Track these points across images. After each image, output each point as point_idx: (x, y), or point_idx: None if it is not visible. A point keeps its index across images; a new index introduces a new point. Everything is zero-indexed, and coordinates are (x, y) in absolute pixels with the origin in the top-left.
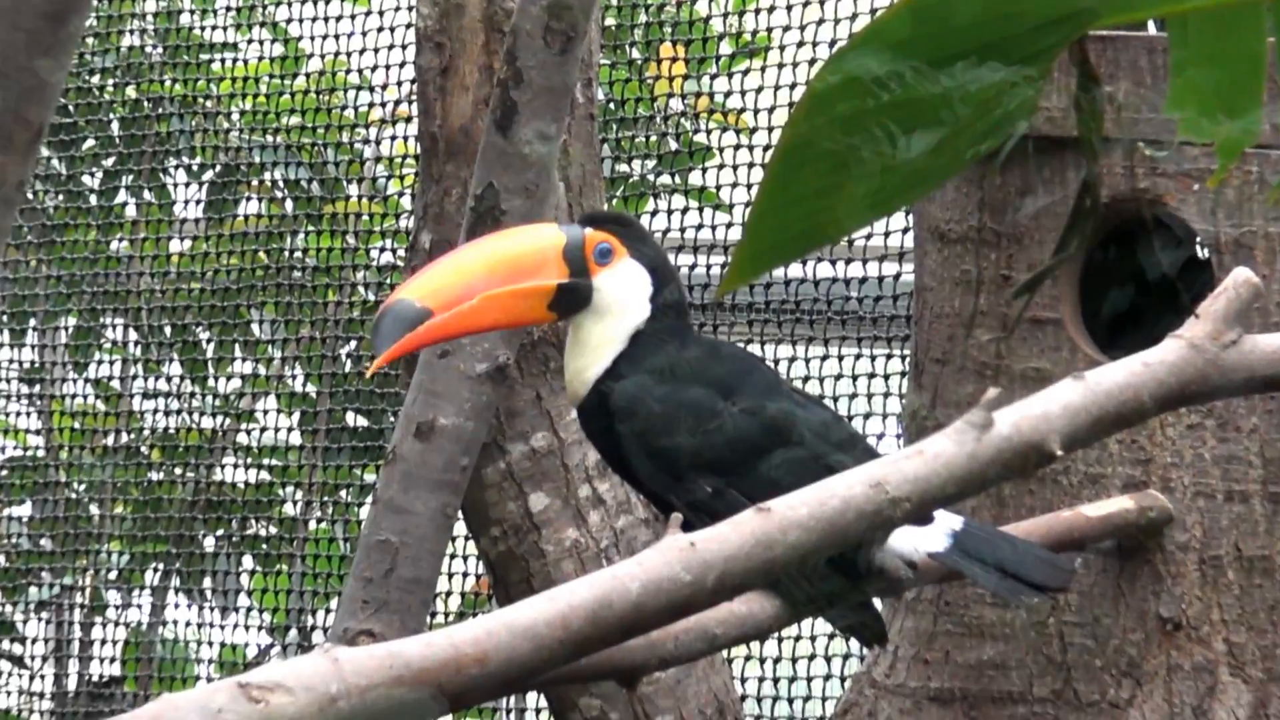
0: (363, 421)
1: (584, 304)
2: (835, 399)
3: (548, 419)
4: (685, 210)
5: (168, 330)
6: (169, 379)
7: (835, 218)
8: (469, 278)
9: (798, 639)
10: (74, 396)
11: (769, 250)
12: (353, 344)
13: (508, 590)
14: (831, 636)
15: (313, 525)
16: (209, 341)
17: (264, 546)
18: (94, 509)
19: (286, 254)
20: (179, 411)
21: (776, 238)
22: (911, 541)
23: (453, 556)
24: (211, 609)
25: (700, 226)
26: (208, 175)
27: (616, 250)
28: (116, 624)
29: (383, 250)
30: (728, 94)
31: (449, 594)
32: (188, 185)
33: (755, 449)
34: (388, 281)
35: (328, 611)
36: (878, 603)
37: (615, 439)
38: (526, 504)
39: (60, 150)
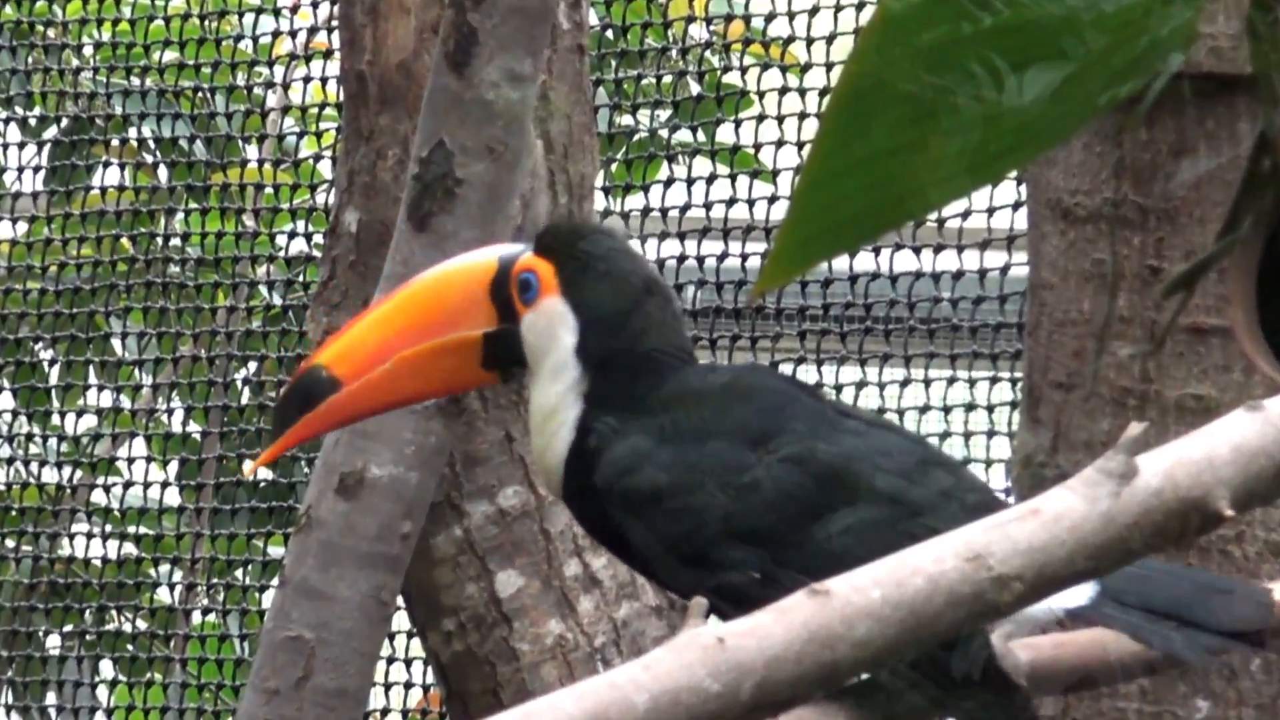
0: (266, 474)
1: (520, 359)
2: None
3: (521, 468)
4: (711, 179)
5: None
6: None
7: (916, 187)
8: (386, 333)
9: None
10: None
11: (824, 233)
12: (252, 365)
13: (465, 705)
14: None
15: (196, 618)
16: (52, 363)
17: (129, 647)
18: None
19: (160, 241)
20: (10, 461)
21: (834, 215)
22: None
23: (390, 660)
24: None
25: (732, 201)
26: (49, 132)
27: (544, 282)
28: None
29: (293, 235)
30: (769, 17)
31: (384, 712)
32: (22, 146)
33: (806, 510)
34: (299, 279)
35: None
36: None
37: (618, 529)
38: (492, 586)
39: None
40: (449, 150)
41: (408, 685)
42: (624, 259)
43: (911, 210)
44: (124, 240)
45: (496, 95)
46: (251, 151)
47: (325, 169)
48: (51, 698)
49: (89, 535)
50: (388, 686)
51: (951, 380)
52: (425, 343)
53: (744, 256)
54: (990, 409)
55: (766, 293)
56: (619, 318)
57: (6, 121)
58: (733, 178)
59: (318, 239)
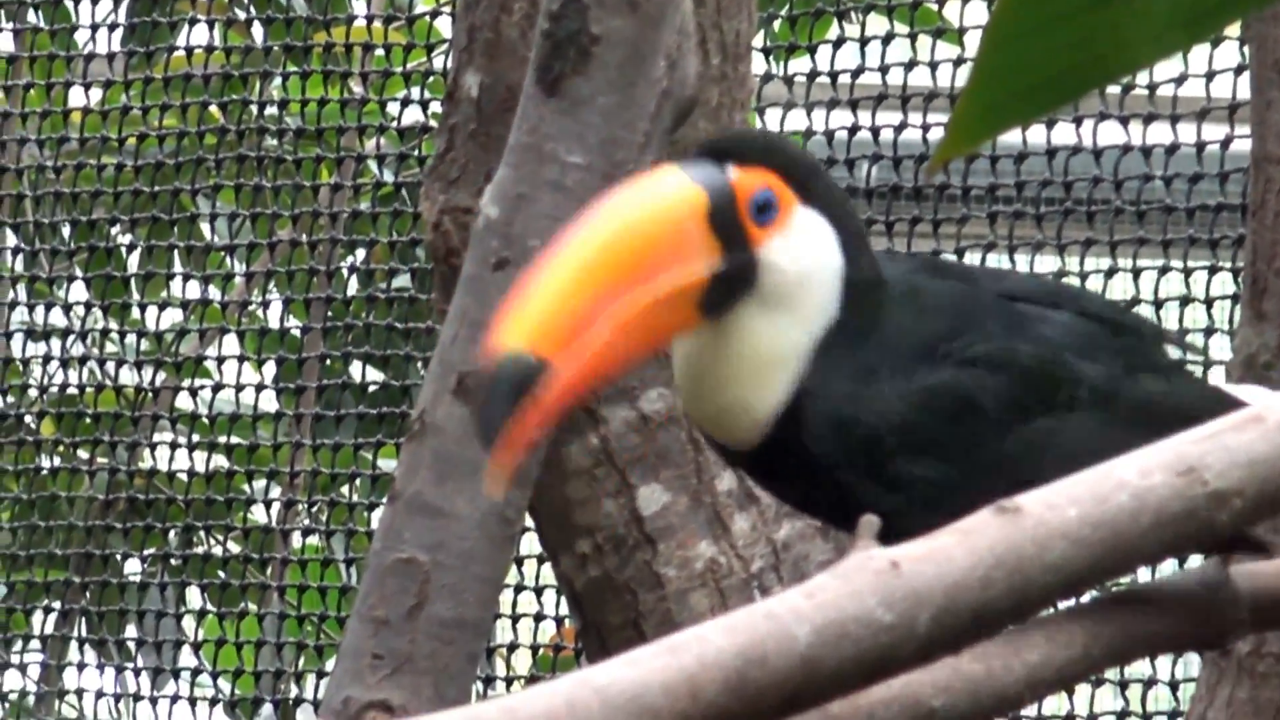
0: (376, 374)
1: (744, 293)
2: None
3: (666, 368)
4: (888, 38)
5: (65, 232)
6: (68, 309)
7: (1121, 43)
8: (585, 293)
9: (1067, 718)
10: None
11: (1013, 96)
12: (361, 252)
13: (603, 639)
14: (1120, 715)
15: (296, 539)
16: (131, 249)
17: (220, 573)
18: None
19: (254, 110)
20: (84, 361)
21: (1025, 76)
22: None
23: (518, 588)
24: (137, 672)
25: (912, 64)
26: None
27: (783, 198)
28: None
29: (407, 103)
30: None
31: (512, 647)
32: (96, 1)
33: (1011, 411)
34: (415, 152)
35: (319, 675)
36: (1193, 661)
37: (822, 487)
38: (634, 502)
39: None
40: (584, 3)
41: (538, 617)
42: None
43: (1114, 70)
44: (213, 108)
45: None
46: (359, 6)
47: (443, 26)
48: (131, 630)
49: (174, 445)
50: (515, 618)
51: (1164, 270)
52: (639, 296)
53: (925, 128)
54: (1208, 303)
55: (947, 166)
56: (862, 229)
57: None
58: (913, 37)
59: (434, 106)
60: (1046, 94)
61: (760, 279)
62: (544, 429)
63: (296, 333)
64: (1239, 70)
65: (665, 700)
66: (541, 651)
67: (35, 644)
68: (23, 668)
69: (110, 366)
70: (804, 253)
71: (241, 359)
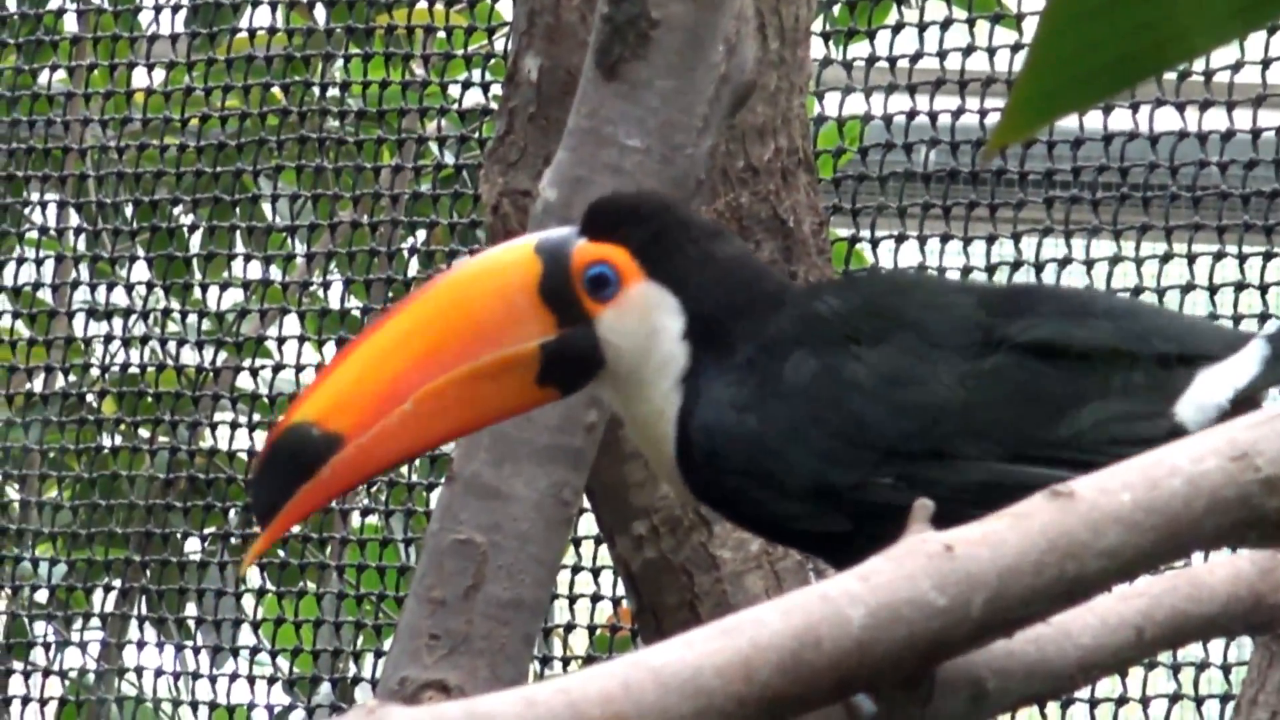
0: None
1: (595, 366)
2: None
3: None
4: (947, 24)
5: (128, 212)
6: (130, 288)
7: (1177, 30)
8: (394, 366)
9: (1120, 702)
10: None
11: (1069, 82)
12: (421, 233)
13: (658, 620)
14: (1173, 699)
15: (355, 519)
16: (193, 230)
17: (280, 553)
18: (11, 491)
19: (316, 91)
20: (146, 340)
21: (1081, 62)
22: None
23: (575, 569)
24: (197, 650)
25: (970, 50)
26: None
27: (625, 271)
28: (47, 673)
29: (467, 85)
30: None
31: (569, 628)
32: None
33: (1046, 404)
34: (475, 134)
35: (378, 654)
36: (1246, 644)
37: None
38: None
39: None
40: None
41: (594, 598)
42: (688, 213)
43: (1171, 57)
44: (275, 90)
45: None
46: None
47: (504, 10)
48: (191, 608)
49: (234, 425)
50: (572, 599)
51: (1219, 256)
52: (455, 370)
53: (983, 113)
54: (1263, 289)
55: (1004, 151)
56: (720, 278)
57: None
58: (971, 23)
59: (495, 89)
60: (1102, 80)
61: (602, 352)
62: (321, 501)
63: (357, 313)
64: None
65: (720, 682)
66: (599, 632)
67: (95, 622)
68: (83, 646)
69: (171, 346)
70: (635, 326)
71: (302, 339)
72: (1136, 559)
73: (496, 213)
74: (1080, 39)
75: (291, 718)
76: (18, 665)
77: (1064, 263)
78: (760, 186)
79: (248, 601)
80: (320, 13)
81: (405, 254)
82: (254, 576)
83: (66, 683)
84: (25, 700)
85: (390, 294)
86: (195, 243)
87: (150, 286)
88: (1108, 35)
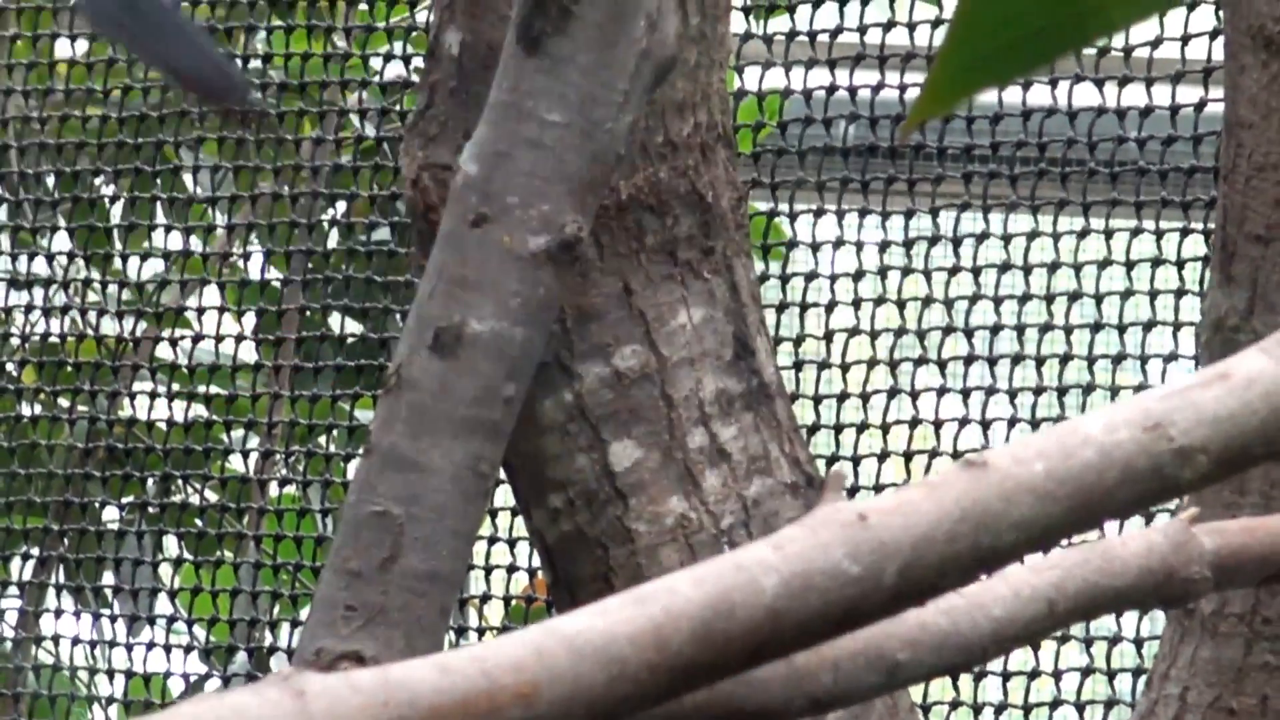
0: (355, 326)
1: None
2: (1099, 297)
3: (641, 325)
4: None
5: (50, 181)
6: (50, 257)
7: (1097, 4)
8: None
9: (1032, 675)
10: None
11: (988, 56)
12: (341, 205)
13: (573, 592)
14: (1085, 672)
15: (273, 489)
16: (114, 200)
17: (198, 522)
18: None
19: (238, 63)
20: (66, 310)
21: (1001, 36)
22: None
23: (491, 541)
24: (114, 619)
25: (890, 25)
26: None
27: None
28: None
29: (389, 58)
30: None
31: (484, 599)
32: None
33: None
34: (396, 108)
35: (294, 624)
36: (1159, 619)
37: None
38: (606, 458)
39: None
40: None
41: (510, 569)
42: None
43: (1091, 32)
44: None
45: None
46: None
47: None
48: (109, 577)
49: (153, 395)
50: (488, 570)
51: (1136, 231)
52: None
53: (903, 88)
54: (1180, 264)
55: (922, 126)
56: None
57: None
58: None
59: (416, 62)
60: (1022, 55)
61: None
62: None
63: (277, 284)
64: (1214, 34)
65: (632, 650)
66: (514, 603)
67: (13, 590)
68: (0, 614)
69: (92, 316)
70: None
71: (221, 310)
72: (1049, 529)
73: (416, 186)
74: (1001, 12)
75: (207, 686)
76: None
77: (981, 238)
78: (679, 161)
79: (165, 571)
80: None
81: (325, 226)
82: (171, 545)
83: None
84: None
85: (310, 265)
86: (116, 213)
87: (71, 256)
88: (1028, 9)
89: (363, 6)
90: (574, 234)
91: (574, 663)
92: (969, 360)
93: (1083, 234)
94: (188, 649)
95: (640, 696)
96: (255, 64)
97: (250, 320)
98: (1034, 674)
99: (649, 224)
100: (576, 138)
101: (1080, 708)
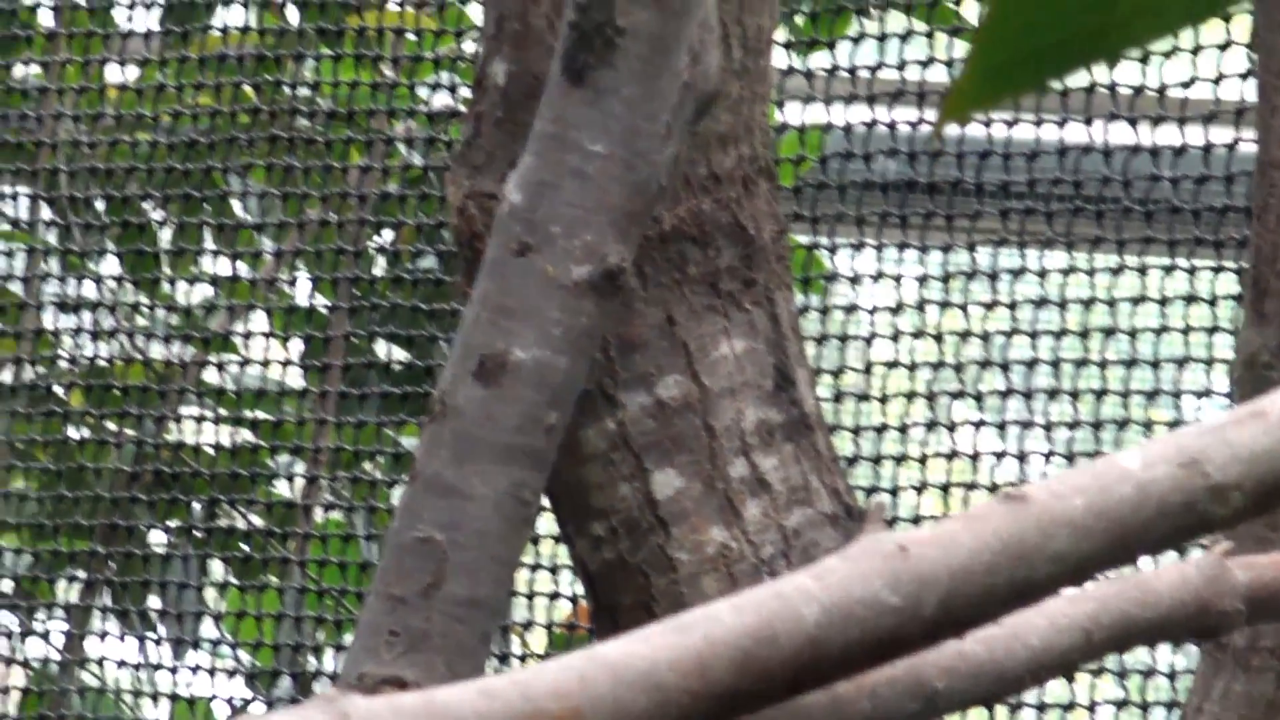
0: (400, 354)
1: None
2: (1134, 333)
3: (683, 355)
4: (907, 36)
5: (100, 205)
6: (99, 281)
7: (1119, 18)
8: None
9: (1068, 708)
10: None
11: (1012, 64)
12: (388, 233)
13: (616, 620)
14: (1120, 705)
15: (318, 515)
16: (163, 224)
17: (243, 547)
18: None
19: (287, 91)
20: (114, 334)
21: (1024, 45)
22: None
23: (534, 567)
24: (159, 642)
25: (929, 62)
26: None
27: None
28: (9, 662)
29: (436, 88)
30: None
31: (527, 625)
32: None
33: None
34: (442, 136)
35: (338, 649)
36: (1192, 653)
37: None
38: (648, 486)
39: None
40: None
41: (553, 596)
42: None
43: (1112, 45)
44: (247, 89)
45: None
46: None
47: (474, 14)
48: (154, 601)
49: (200, 419)
50: (530, 597)
51: (1170, 268)
52: None
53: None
54: (1212, 302)
55: (961, 162)
56: None
57: None
58: (930, 35)
59: (463, 91)
60: (1045, 65)
61: None
62: None
63: (323, 311)
64: (1246, 75)
65: (675, 677)
66: (556, 630)
67: (59, 613)
68: (46, 635)
69: (140, 340)
70: None
71: (269, 335)
72: (1086, 563)
73: (462, 215)
74: (1025, 20)
75: (251, 710)
76: None
77: (1018, 273)
78: (722, 194)
79: (210, 595)
80: (292, 14)
81: (372, 253)
82: (217, 569)
83: (30, 673)
84: None
85: (356, 292)
86: (165, 238)
87: (120, 280)
88: (1052, 18)
89: (411, 37)
90: (617, 264)
91: (616, 689)
92: (1006, 394)
93: (1118, 270)
94: (232, 673)
95: None
96: (304, 92)
97: (297, 346)
98: (1069, 706)
99: (692, 255)
100: (620, 169)
101: None
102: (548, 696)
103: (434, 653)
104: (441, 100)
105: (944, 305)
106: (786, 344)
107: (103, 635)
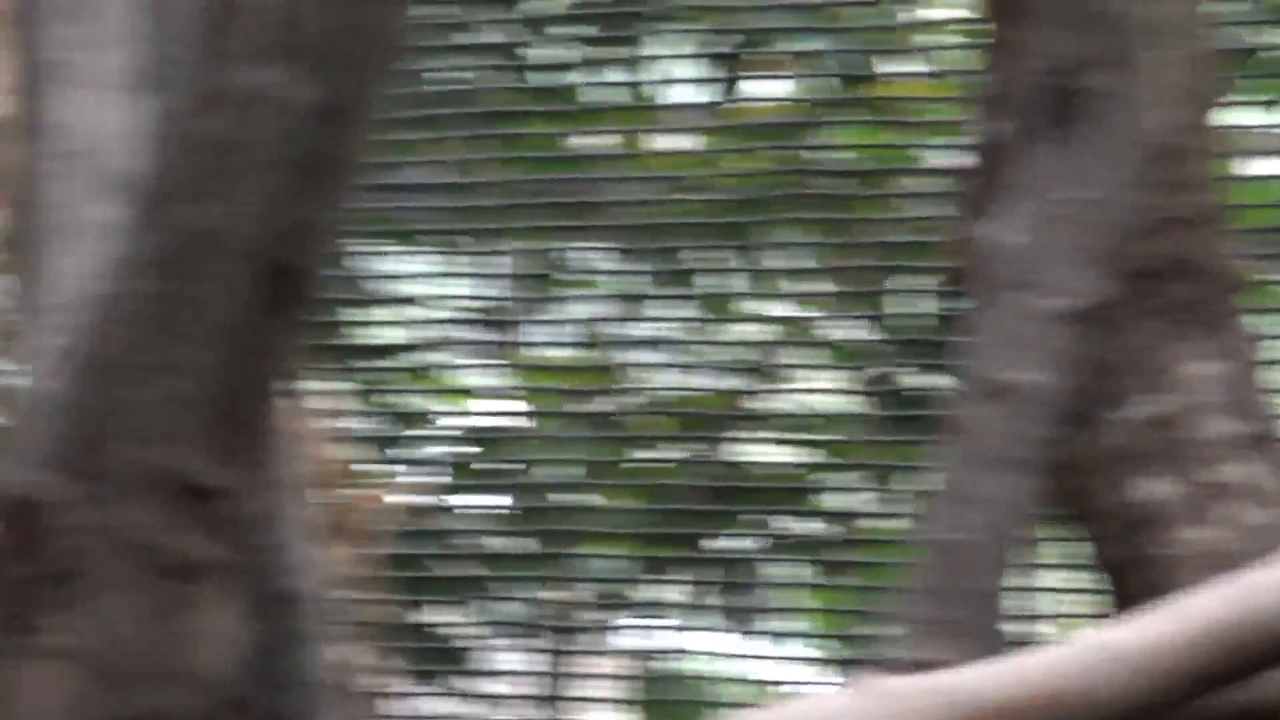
0: (917, 380)
1: None
2: None
3: (1159, 375)
4: None
5: (661, 256)
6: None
7: None
8: None
9: None
10: (538, 345)
11: None
12: (901, 277)
13: (1118, 608)
14: None
15: (868, 522)
16: (702, 272)
17: (820, 551)
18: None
19: (805, 153)
20: (686, 367)
21: None
22: None
23: (1039, 565)
24: (744, 635)
25: None
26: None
27: None
28: (608, 654)
29: (944, 148)
30: None
31: (1034, 618)
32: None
33: None
34: (944, 190)
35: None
36: None
37: None
38: (1135, 491)
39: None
40: (1084, 58)
41: (1057, 591)
42: None
43: None
44: (767, 153)
45: (1129, 4)
46: (893, 64)
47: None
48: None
49: (764, 440)
50: (1042, 591)
51: None
52: None
53: None
54: None
55: None
56: None
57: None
58: None
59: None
60: None
61: None
62: None
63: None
64: None
65: (1170, 659)
66: (1060, 620)
67: (656, 612)
68: (649, 630)
69: (706, 372)
70: None
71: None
72: None
73: (964, 257)
74: None
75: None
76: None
77: None
78: (1183, 235)
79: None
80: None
81: (894, 293)
82: (783, 571)
83: (642, 663)
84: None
85: (884, 327)
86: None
87: (684, 320)
88: None
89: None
90: (1099, 297)
91: (1116, 670)
92: None
93: None
94: (813, 660)
95: (1177, 696)
96: (826, 154)
97: (831, 377)
98: None
99: (1161, 289)
100: (1095, 213)
101: None
102: (1062, 677)
103: (956, 639)
104: (941, 159)
105: None
106: (1245, 366)
107: (708, 630)
